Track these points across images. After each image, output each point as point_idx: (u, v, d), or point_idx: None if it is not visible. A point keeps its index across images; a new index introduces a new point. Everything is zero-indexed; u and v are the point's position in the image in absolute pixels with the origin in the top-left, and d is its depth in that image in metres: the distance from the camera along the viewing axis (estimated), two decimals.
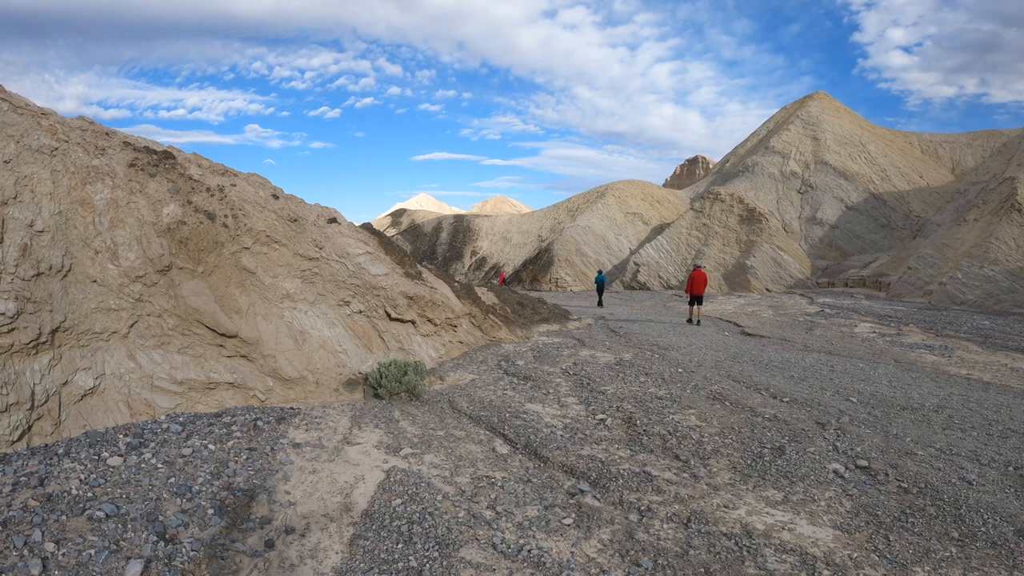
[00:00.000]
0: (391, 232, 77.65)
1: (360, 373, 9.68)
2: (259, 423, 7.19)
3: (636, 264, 50.71)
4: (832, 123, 59.80)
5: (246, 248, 9.44)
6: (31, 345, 6.55)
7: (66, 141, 8.20)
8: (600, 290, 31.93)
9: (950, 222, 40.28)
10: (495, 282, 54.35)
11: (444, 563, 4.68)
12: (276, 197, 10.74)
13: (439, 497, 5.78)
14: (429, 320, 12.28)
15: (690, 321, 20.23)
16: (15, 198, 7.09)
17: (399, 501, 5.64)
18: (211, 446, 6.28)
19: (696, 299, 20.06)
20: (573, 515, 5.64)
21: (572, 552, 4.98)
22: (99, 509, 4.64)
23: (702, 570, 4.68)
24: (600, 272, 34.48)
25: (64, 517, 4.49)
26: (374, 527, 5.20)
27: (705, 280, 19.94)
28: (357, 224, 13.44)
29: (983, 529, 5.25)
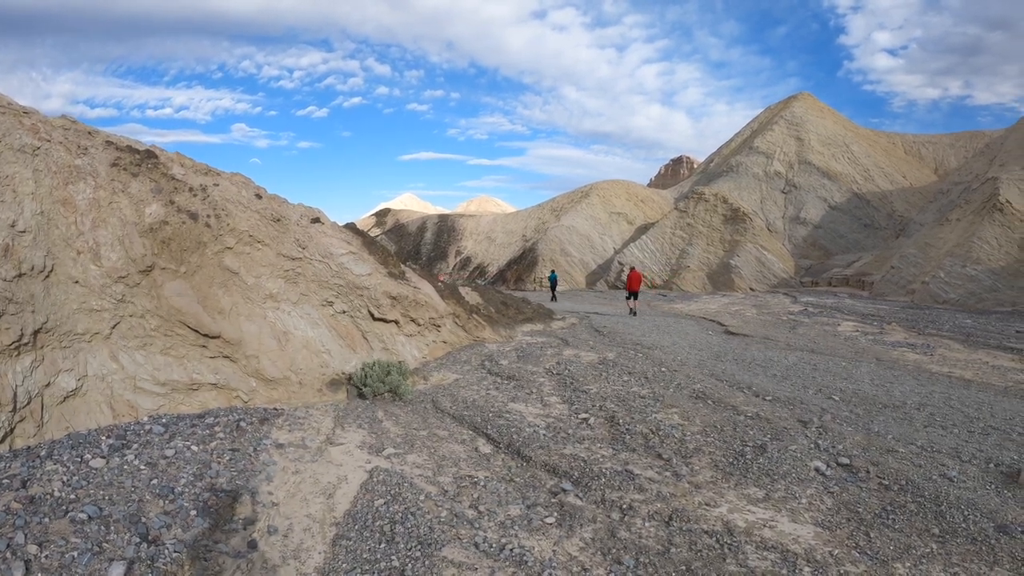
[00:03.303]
0: (375, 232, 77.31)
1: (343, 373, 9.66)
2: (242, 424, 7.17)
3: (620, 264, 50.83)
4: (816, 123, 60.23)
5: (229, 248, 9.39)
6: (13, 346, 6.49)
7: (48, 140, 8.12)
8: (553, 287, 35.65)
9: (933, 222, 40.69)
10: (479, 282, 54.33)
11: (426, 562, 4.70)
12: (259, 197, 10.70)
13: (421, 497, 5.79)
14: (413, 320, 12.27)
15: (632, 312, 23.79)
16: None
17: (382, 501, 5.65)
18: (194, 447, 6.26)
19: (632, 294, 24.01)
20: (555, 514, 5.67)
21: (554, 551, 5.01)
22: (82, 511, 4.62)
23: (684, 568, 4.73)
24: (553, 272, 39.06)
25: (47, 519, 4.47)
26: (357, 527, 5.21)
27: (639, 279, 24.50)
28: (341, 224, 13.42)
29: (963, 525, 5.32)
